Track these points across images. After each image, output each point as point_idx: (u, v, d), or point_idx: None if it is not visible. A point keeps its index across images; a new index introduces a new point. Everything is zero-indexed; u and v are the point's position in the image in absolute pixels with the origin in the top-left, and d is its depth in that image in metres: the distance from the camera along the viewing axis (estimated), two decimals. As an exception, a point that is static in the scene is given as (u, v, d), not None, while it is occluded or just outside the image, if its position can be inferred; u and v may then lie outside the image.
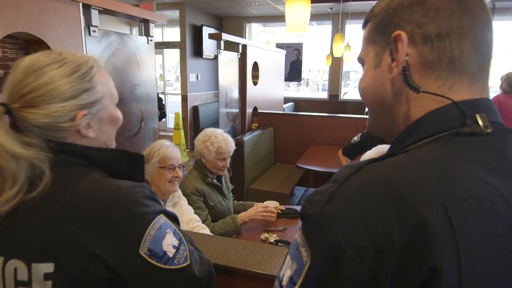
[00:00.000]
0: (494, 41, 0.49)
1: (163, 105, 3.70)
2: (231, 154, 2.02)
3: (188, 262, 0.68)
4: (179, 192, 1.79)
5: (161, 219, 0.66)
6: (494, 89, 4.24)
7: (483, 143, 0.44)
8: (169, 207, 1.70)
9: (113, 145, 0.77)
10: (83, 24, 1.83)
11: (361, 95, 0.57)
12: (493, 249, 0.38)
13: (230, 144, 2.01)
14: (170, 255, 0.65)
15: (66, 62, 0.66)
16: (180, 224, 1.68)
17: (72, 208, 0.61)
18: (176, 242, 0.67)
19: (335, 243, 0.39)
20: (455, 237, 0.37)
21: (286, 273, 0.45)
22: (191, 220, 1.78)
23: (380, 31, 0.50)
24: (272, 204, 2.01)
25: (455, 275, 0.36)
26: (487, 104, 0.47)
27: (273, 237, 1.78)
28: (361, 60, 0.56)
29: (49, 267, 0.59)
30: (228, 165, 2.03)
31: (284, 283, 0.45)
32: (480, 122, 0.44)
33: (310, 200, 0.44)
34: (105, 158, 0.70)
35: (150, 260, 0.63)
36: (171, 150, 1.67)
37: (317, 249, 0.41)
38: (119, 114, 0.76)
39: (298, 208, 2.12)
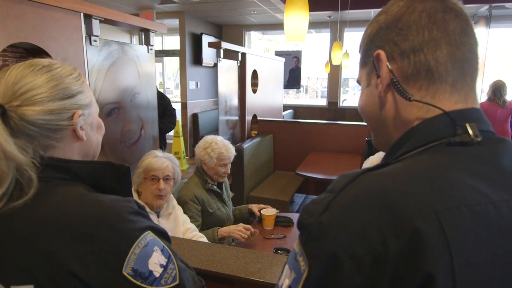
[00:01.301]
0: (477, 46, 0.51)
1: (173, 119, 3.59)
2: (231, 160, 2.04)
3: (177, 282, 0.62)
4: (174, 202, 1.77)
5: (148, 236, 0.61)
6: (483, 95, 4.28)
7: (474, 152, 0.45)
8: (163, 218, 1.68)
9: (98, 153, 0.75)
10: (84, 34, 1.85)
11: (361, 114, 0.60)
12: (486, 255, 0.39)
13: (230, 150, 2.02)
14: (157, 275, 0.60)
15: (60, 66, 0.67)
16: (175, 235, 1.64)
17: (52, 224, 0.57)
18: (164, 261, 0.62)
19: (332, 252, 0.40)
20: (448, 245, 0.38)
21: (285, 282, 0.46)
22: (188, 229, 1.76)
23: (367, 54, 0.55)
24: (269, 212, 2.01)
25: (449, 282, 0.37)
26: (477, 114, 0.49)
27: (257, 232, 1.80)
28: (358, 82, 0.60)
29: None
30: (229, 171, 2.04)
31: None
32: (470, 132, 0.45)
33: (307, 210, 0.45)
34: (88, 171, 0.66)
35: (134, 281, 0.58)
36: (157, 160, 1.62)
37: (315, 258, 0.41)
38: (102, 123, 0.76)
39: (293, 215, 2.13)
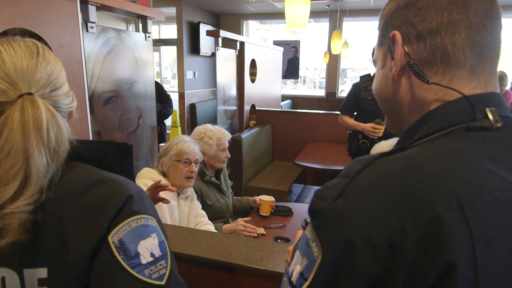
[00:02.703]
0: (501, 29, 0.48)
1: (169, 103, 3.70)
2: (228, 143, 2.04)
3: (163, 283, 0.54)
4: (192, 190, 1.81)
5: (151, 220, 0.58)
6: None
7: (493, 137, 0.43)
8: (182, 199, 1.74)
9: None
10: (80, 20, 1.81)
11: (375, 96, 0.58)
12: (508, 243, 0.38)
13: (226, 134, 2.03)
14: (143, 261, 0.53)
15: (46, 49, 0.63)
16: (189, 218, 1.67)
17: (67, 201, 0.55)
18: (157, 253, 0.56)
19: (347, 239, 0.39)
20: (471, 232, 0.37)
21: (296, 268, 0.44)
22: (198, 214, 1.81)
23: (384, 34, 0.52)
24: (267, 199, 2.02)
25: (471, 270, 0.36)
26: (497, 99, 0.47)
27: (261, 231, 1.81)
28: (374, 62, 0.58)
29: (43, 272, 0.54)
30: (229, 155, 2.03)
31: (293, 278, 0.44)
32: (490, 117, 0.44)
33: (320, 195, 0.44)
34: (90, 151, 0.64)
35: (116, 253, 0.52)
36: (189, 145, 1.72)
37: (329, 245, 0.40)
38: None
39: (291, 205, 2.13)
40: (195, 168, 1.71)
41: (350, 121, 2.54)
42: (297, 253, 0.46)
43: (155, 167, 1.75)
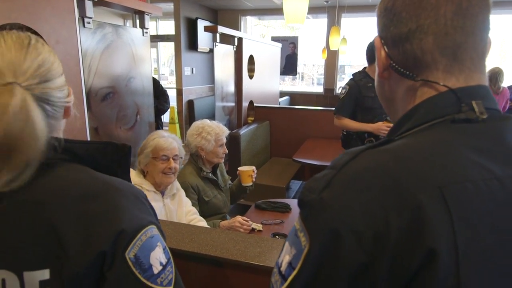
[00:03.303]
0: (480, 24, 0.47)
1: (166, 99, 3.71)
2: (226, 139, 2.03)
3: (171, 287, 0.59)
4: (177, 184, 1.77)
5: (154, 230, 0.59)
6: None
7: (478, 129, 0.44)
8: (168, 198, 1.70)
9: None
10: (77, 16, 1.79)
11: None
12: (490, 230, 0.39)
13: (224, 129, 2.02)
14: (155, 271, 0.56)
15: (41, 41, 0.61)
16: (178, 216, 1.65)
17: (62, 204, 0.55)
18: (164, 260, 0.59)
19: (333, 228, 0.40)
20: (452, 220, 0.38)
21: (285, 258, 0.45)
22: (189, 212, 1.78)
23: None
24: (246, 169, 2.02)
25: (452, 257, 0.37)
26: (483, 91, 0.48)
27: (258, 227, 1.82)
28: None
29: (44, 274, 0.53)
30: (227, 151, 2.03)
31: (283, 268, 0.45)
32: (476, 109, 0.45)
33: (308, 186, 0.45)
34: (88, 152, 0.63)
35: (133, 269, 0.54)
36: (165, 140, 1.63)
37: (316, 234, 0.41)
38: None
39: (289, 201, 2.14)
40: (174, 164, 1.63)
41: (353, 123, 2.41)
42: (286, 244, 0.47)
43: (136, 166, 1.69)
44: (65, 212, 0.54)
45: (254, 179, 2.04)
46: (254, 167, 2.04)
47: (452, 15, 0.46)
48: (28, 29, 1.57)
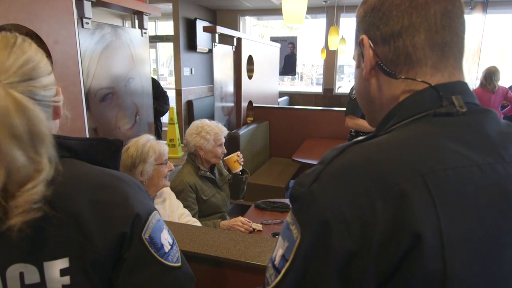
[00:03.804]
0: (463, 26, 0.51)
1: (166, 100, 3.72)
2: (224, 139, 2.03)
3: (179, 264, 0.66)
4: (168, 189, 1.76)
5: (158, 214, 0.66)
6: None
7: (459, 121, 0.47)
8: (159, 204, 1.67)
9: None
10: (76, 16, 1.79)
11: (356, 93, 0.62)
12: (472, 214, 0.41)
13: (223, 129, 2.02)
14: (166, 249, 0.63)
15: (28, 41, 0.60)
16: (173, 220, 1.65)
17: (79, 194, 0.59)
18: (170, 241, 0.66)
19: (323, 218, 0.42)
20: (435, 205, 0.39)
21: (278, 252, 0.47)
22: (182, 214, 1.76)
23: (357, 35, 0.57)
24: (229, 156, 2.02)
25: (437, 240, 0.39)
26: (462, 87, 0.50)
27: (258, 227, 1.82)
28: (354, 61, 0.62)
29: (64, 262, 0.56)
30: (226, 151, 2.03)
31: (276, 262, 0.46)
32: (456, 103, 0.47)
33: (299, 181, 0.47)
34: (84, 148, 0.66)
35: (149, 248, 0.60)
36: (159, 143, 1.62)
37: (307, 225, 0.43)
38: None
39: (288, 201, 2.13)
40: (173, 166, 1.66)
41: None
42: (279, 238, 0.48)
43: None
44: (83, 202, 0.58)
45: (241, 163, 2.03)
46: (238, 152, 2.05)
47: (440, 15, 0.49)
48: (27, 30, 1.57)
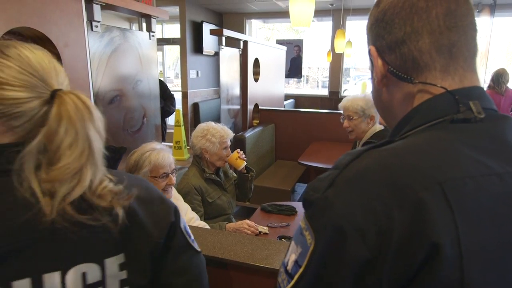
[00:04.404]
0: (471, 25, 0.50)
1: (172, 102, 3.75)
2: (230, 142, 2.03)
3: (200, 250, 0.75)
4: (174, 191, 1.75)
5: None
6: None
7: (477, 128, 0.46)
8: None
9: None
10: (85, 19, 1.81)
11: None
12: (491, 224, 0.40)
13: (228, 132, 2.02)
14: (192, 237, 0.72)
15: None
16: None
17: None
18: (189, 229, 0.74)
19: (337, 224, 0.41)
20: (453, 214, 0.39)
21: (291, 257, 0.46)
22: (192, 219, 1.77)
23: (368, 47, 0.57)
24: (232, 155, 2.01)
25: (455, 249, 0.38)
26: (479, 92, 0.50)
27: (265, 230, 1.81)
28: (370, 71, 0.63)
29: (121, 258, 0.60)
30: (231, 153, 2.03)
31: (289, 267, 0.46)
32: (474, 109, 0.46)
33: (313, 186, 0.46)
34: None
35: (186, 236, 0.69)
36: (163, 155, 1.52)
37: (320, 231, 0.43)
38: None
39: (295, 204, 2.13)
40: (174, 180, 1.55)
41: None
42: (292, 243, 0.48)
43: None
44: (134, 200, 0.63)
45: (244, 158, 2.02)
46: (237, 149, 2.04)
47: (443, 16, 0.48)
48: (38, 33, 1.59)
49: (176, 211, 0.69)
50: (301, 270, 0.44)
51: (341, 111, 2.06)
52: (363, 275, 0.40)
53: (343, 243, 0.40)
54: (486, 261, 0.39)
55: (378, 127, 1.99)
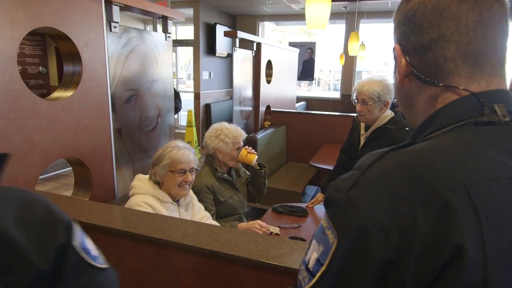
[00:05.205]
0: (502, 32, 0.48)
1: (179, 99, 3.78)
2: (243, 143, 2.04)
3: (108, 266, 0.64)
4: (191, 192, 1.78)
5: (75, 222, 0.62)
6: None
7: (501, 131, 0.46)
8: (183, 208, 1.70)
9: None
10: (104, 20, 1.86)
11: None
12: None
13: (242, 133, 2.03)
14: (95, 253, 0.61)
15: None
16: None
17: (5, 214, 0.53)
18: (93, 245, 0.63)
19: (361, 224, 0.41)
20: (478, 217, 0.39)
21: (313, 256, 0.46)
22: (203, 217, 1.79)
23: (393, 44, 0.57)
24: (241, 152, 2.00)
25: (479, 253, 0.38)
26: (504, 95, 0.49)
27: (276, 230, 1.82)
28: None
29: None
30: None
31: (310, 265, 0.46)
32: (498, 112, 0.46)
33: (335, 186, 0.46)
34: None
35: (82, 254, 0.58)
36: (183, 153, 1.61)
37: (343, 231, 0.43)
38: None
39: (305, 205, 2.13)
40: (190, 178, 1.62)
41: None
42: (313, 241, 0.48)
43: (149, 176, 1.66)
44: (8, 221, 0.53)
45: (254, 153, 2.02)
46: (245, 146, 2.04)
47: (474, 24, 0.47)
48: (59, 33, 1.64)
49: (67, 228, 0.57)
50: (323, 268, 0.44)
51: (355, 93, 1.97)
52: (385, 275, 0.40)
53: (366, 243, 0.40)
54: (509, 263, 0.39)
55: (390, 113, 1.92)
